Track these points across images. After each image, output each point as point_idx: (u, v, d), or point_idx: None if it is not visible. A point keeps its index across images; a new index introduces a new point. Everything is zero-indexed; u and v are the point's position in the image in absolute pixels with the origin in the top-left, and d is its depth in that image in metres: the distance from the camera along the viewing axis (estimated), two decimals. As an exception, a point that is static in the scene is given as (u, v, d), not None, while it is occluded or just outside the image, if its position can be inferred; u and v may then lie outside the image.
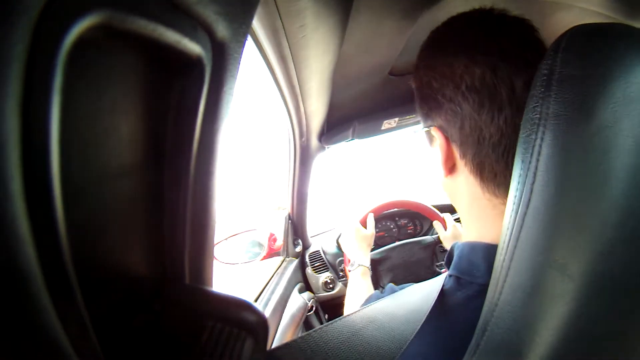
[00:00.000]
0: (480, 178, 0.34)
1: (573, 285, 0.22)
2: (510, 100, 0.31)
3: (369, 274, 0.75)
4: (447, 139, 0.36)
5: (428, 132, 0.39)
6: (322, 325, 0.29)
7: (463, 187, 0.37)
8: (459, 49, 0.33)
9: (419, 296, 0.35)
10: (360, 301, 0.66)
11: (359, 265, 0.76)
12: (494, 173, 0.33)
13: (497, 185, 0.33)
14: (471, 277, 0.33)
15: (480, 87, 0.32)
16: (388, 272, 0.99)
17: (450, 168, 0.37)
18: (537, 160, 0.24)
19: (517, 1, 0.51)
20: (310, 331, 0.28)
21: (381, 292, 0.48)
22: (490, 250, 0.32)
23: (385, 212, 1.13)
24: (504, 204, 0.33)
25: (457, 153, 0.36)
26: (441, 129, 0.36)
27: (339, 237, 1.18)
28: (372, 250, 1.10)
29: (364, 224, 0.88)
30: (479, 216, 0.36)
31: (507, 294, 0.25)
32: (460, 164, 0.36)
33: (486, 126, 0.32)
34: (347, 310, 0.70)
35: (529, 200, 0.24)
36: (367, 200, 1.10)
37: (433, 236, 1.05)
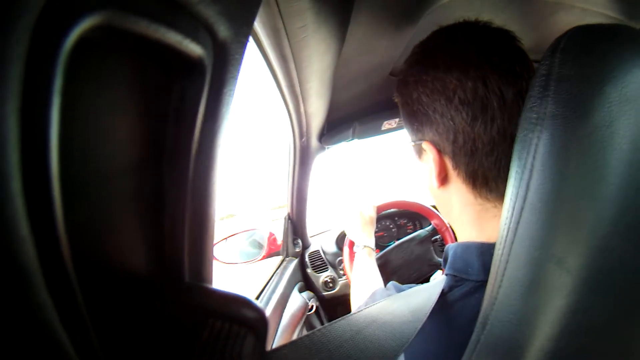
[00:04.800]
0: (473, 186, 0.35)
1: (571, 279, 0.22)
2: (501, 110, 0.32)
3: (374, 254, 0.76)
4: (440, 152, 0.36)
5: (417, 146, 0.39)
6: (325, 325, 0.29)
7: (455, 196, 0.37)
8: (451, 64, 0.34)
9: (421, 296, 0.36)
10: (367, 282, 0.67)
11: (365, 246, 0.77)
12: (486, 180, 0.34)
13: (490, 190, 0.34)
14: (466, 275, 0.34)
15: (473, 100, 0.33)
16: (392, 275, 0.99)
17: (443, 179, 0.37)
18: (534, 158, 0.24)
19: (517, 2, 0.51)
20: (314, 330, 0.28)
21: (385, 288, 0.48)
22: (483, 249, 0.34)
23: (385, 212, 1.13)
24: (496, 206, 0.34)
25: (449, 164, 0.36)
26: (433, 142, 0.37)
27: (338, 236, 1.18)
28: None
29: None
30: (471, 220, 0.37)
31: (506, 287, 0.25)
32: (453, 174, 0.36)
33: (479, 137, 0.33)
34: (354, 291, 0.70)
35: (526, 196, 0.24)
36: (367, 195, 1.10)
37: (426, 229, 1.05)
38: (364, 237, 0.79)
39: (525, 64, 0.34)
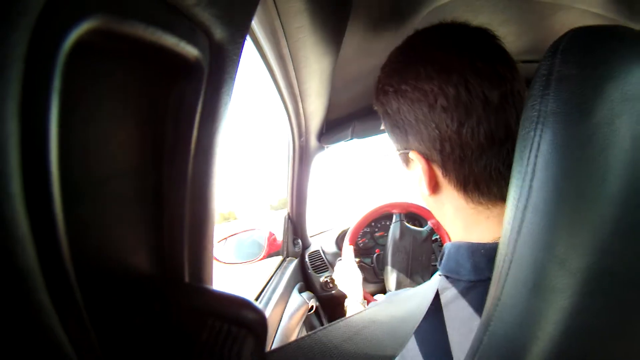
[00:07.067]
0: (464, 191, 0.34)
1: (574, 280, 0.22)
2: (487, 114, 0.31)
3: (361, 305, 0.83)
4: (428, 161, 0.35)
5: (403, 155, 0.38)
6: (325, 325, 0.30)
7: (447, 202, 0.37)
8: (431, 71, 0.33)
9: (417, 298, 0.36)
10: None
11: (355, 300, 0.83)
12: (477, 185, 0.33)
13: (481, 194, 0.34)
14: (458, 275, 0.34)
15: (456, 106, 0.32)
16: (412, 277, 1.00)
17: (434, 187, 0.36)
18: (536, 157, 0.24)
19: (517, 2, 0.51)
20: (315, 330, 0.29)
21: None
22: (472, 249, 0.33)
23: (385, 213, 1.14)
24: (489, 208, 0.34)
25: (439, 172, 0.35)
26: (419, 152, 0.35)
27: (338, 236, 1.18)
28: (373, 254, 1.13)
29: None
30: (464, 224, 0.36)
31: (510, 288, 0.25)
32: (444, 181, 0.35)
33: (467, 144, 0.32)
34: None
35: (528, 196, 0.24)
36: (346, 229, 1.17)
37: (394, 221, 1.06)
38: (353, 291, 0.85)
39: (508, 64, 0.33)
